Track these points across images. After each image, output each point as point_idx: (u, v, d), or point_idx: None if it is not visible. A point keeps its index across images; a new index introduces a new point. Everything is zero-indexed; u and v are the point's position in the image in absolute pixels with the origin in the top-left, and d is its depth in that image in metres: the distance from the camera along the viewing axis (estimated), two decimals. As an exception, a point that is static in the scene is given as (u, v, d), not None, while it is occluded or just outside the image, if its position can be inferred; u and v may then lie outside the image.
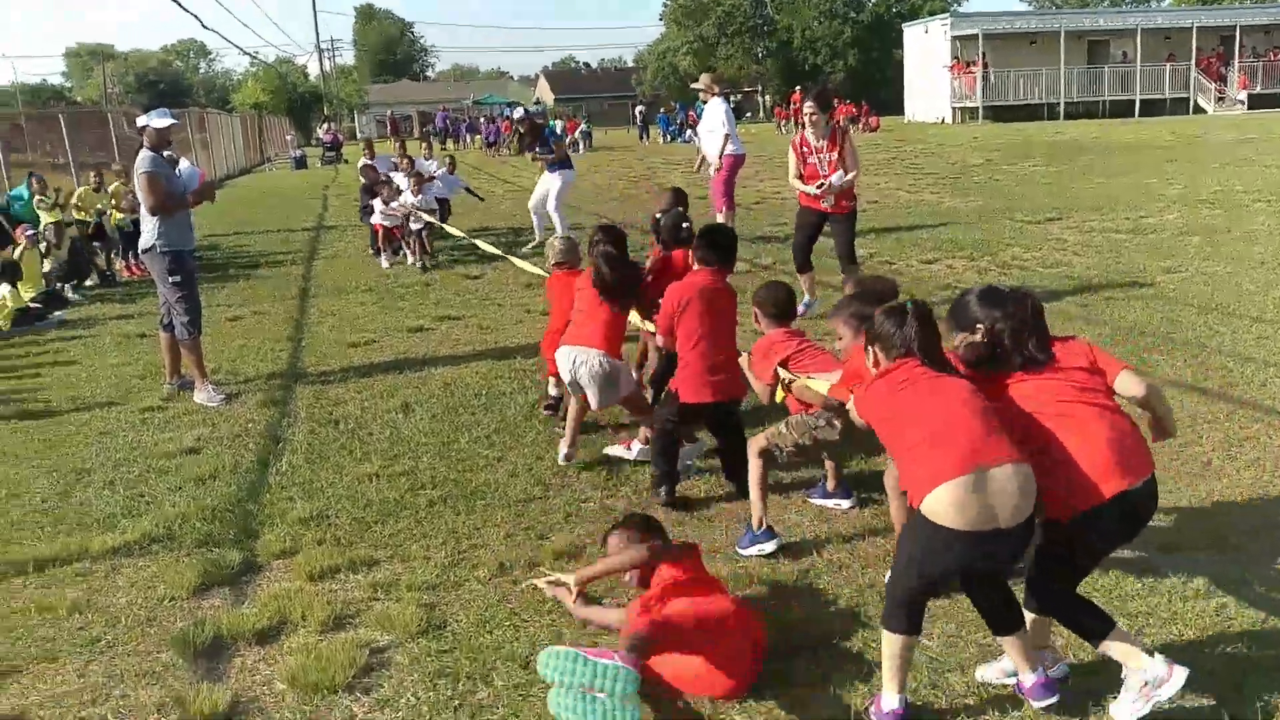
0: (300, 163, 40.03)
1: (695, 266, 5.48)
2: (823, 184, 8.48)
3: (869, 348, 3.51)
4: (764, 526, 4.62)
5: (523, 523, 5.06)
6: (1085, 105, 45.57)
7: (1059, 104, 45.10)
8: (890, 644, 3.28)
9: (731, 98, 54.90)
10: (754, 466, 4.67)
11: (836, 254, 9.04)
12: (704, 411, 5.27)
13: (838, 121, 7.85)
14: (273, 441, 6.51)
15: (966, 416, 3.19)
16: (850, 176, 8.48)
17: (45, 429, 7.08)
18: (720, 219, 12.93)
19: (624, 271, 5.72)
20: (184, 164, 8.66)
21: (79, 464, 6.27)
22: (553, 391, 6.75)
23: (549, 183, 14.15)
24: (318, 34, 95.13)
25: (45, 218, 12.71)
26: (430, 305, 10.70)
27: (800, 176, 8.88)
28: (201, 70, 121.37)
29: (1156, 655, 3.21)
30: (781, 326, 4.94)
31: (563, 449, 5.81)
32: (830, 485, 5.16)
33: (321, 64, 76.68)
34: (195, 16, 40.93)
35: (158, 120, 7.54)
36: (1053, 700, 3.30)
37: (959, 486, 3.05)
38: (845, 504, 5.08)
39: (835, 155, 8.56)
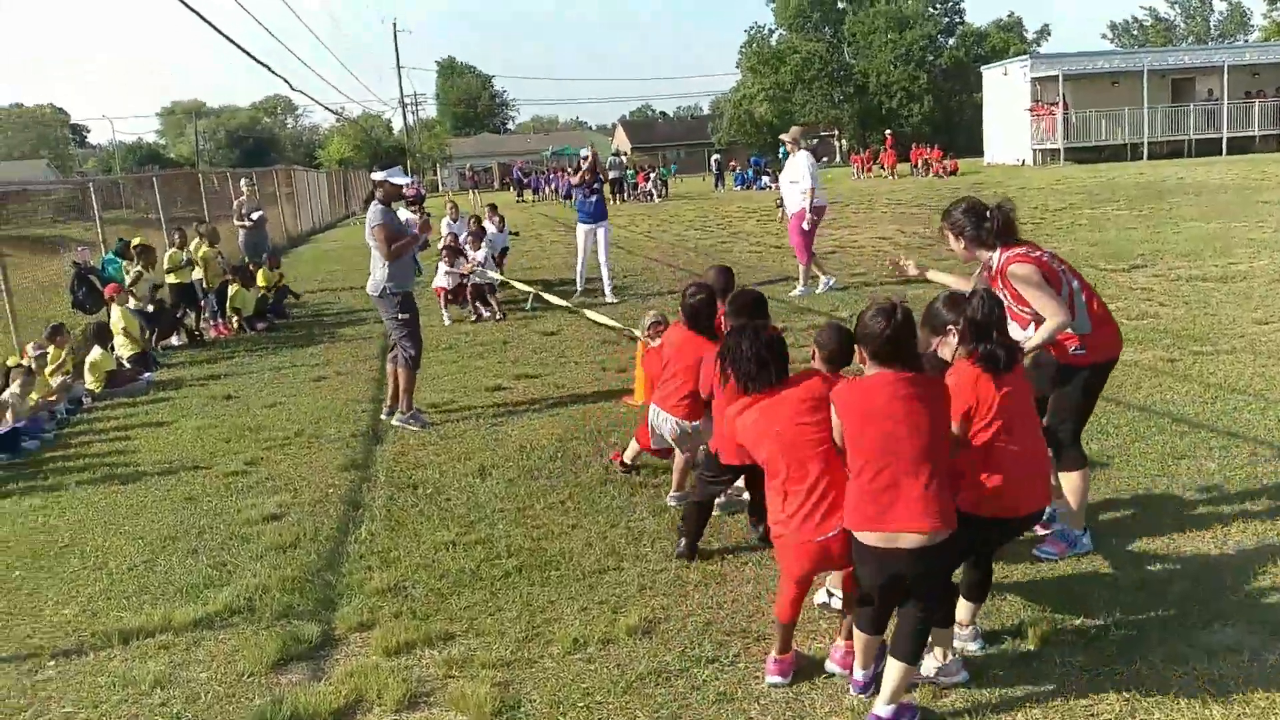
0: (383, 216, 40.80)
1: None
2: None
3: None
4: None
5: (596, 596, 5.03)
6: (1170, 145, 44.65)
7: (1143, 144, 44.27)
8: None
9: (815, 146, 55.27)
10: None
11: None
12: (740, 471, 5.31)
13: (1002, 253, 4.98)
14: (352, 508, 6.59)
15: None
16: (1043, 334, 4.86)
17: (133, 494, 7.25)
18: (801, 270, 13.21)
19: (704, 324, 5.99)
20: (404, 214, 9.45)
21: (165, 531, 6.41)
22: (628, 459, 6.81)
23: (595, 237, 14.42)
24: (401, 90, 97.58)
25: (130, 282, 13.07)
26: (508, 364, 10.79)
27: None
28: (289, 125, 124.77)
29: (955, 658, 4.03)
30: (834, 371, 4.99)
31: (671, 495, 6.22)
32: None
33: (405, 119, 78.42)
34: (285, 80, 42.24)
35: (396, 178, 8.51)
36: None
37: None
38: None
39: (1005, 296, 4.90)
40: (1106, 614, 4.46)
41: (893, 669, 3.71)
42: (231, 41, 17.70)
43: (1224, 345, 9.09)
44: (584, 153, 15.21)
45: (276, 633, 4.81)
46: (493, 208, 18.06)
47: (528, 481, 6.86)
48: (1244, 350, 8.87)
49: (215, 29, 16.59)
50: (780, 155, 52.23)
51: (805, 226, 13.43)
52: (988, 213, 5.01)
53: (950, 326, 4.23)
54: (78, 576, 5.77)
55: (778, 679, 4.09)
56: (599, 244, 14.37)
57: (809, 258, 13.68)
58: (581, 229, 14.58)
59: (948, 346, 4.25)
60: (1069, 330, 4.89)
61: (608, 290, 14.36)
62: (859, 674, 3.97)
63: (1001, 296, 4.87)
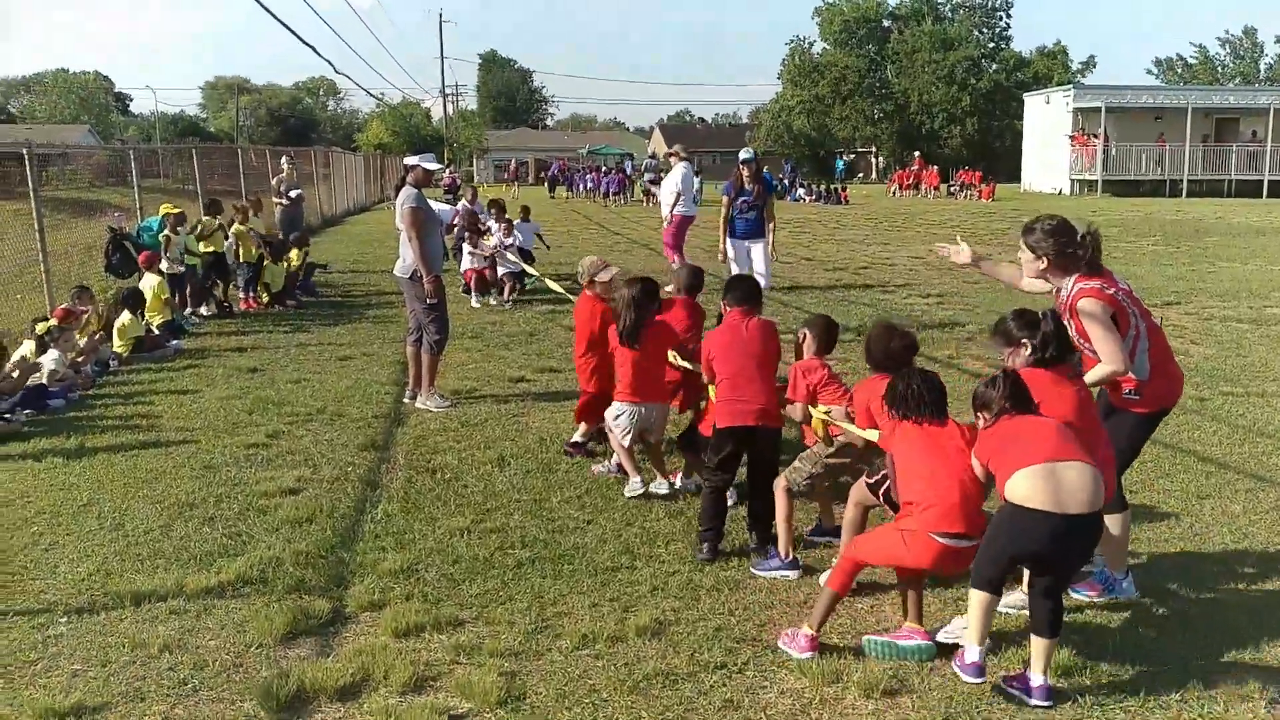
0: (418, 202, 41.00)
1: (727, 310, 5.81)
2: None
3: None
4: (790, 557, 5.22)
5: (608, 593, 5.01)
6: (1209, 184, 44.32)
7: (1182, 181, 43.94)
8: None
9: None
10: (780, 503, 5.28)
11: None
12: (739, 435, 5.41)
13: (1076, 283, 4.72)
14: (370, 488, 6.60)
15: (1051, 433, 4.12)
16: (1094, 377, 4.70)
17: (153, 459, 7.28)
18: (675, 267, 12.82)
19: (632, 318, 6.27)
20: (437, 205, 9.59)
21: (183, 497, 6.43)
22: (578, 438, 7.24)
23: (752, 250, 13.23)
24: (443, 79, 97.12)
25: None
26: (533, 356, 10.79)
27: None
28: (330, 108, 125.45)
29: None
30: (819, 356, 5.58)
31: (634, 486, 6.33)
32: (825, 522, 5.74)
33: (445, 108, 78.55)
34: (329, 62, 42.45)
35: (428, 164, 8.73)
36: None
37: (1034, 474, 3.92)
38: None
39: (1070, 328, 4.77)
40: (1122, 649, 4.41)
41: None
42: (279, 20, 17.83)
43: (1254, 388, 9.00)
44: (743, 155, 13.22)
45: (287, 606, 4.81)
46: (525, 209, 18.12)
47: (546, 474, 6.85)
48: (1275, 394, 8.77)
49: (263, 6, 16.70)
50: (839, 168, 52.60)
51: (672, 227, 14.77)
52: (1080, 237, 4.69)
53: (1025, 341, 4.58)
54: (94, 536, 5.80)
55: None
56: (755, 259, 13.11)
57: (680, 256, 14.47)
58: (735, 245, 13.26)
59: (1020, 359, 4.60)
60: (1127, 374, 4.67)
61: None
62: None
63: (1067, 326, 4.75)
